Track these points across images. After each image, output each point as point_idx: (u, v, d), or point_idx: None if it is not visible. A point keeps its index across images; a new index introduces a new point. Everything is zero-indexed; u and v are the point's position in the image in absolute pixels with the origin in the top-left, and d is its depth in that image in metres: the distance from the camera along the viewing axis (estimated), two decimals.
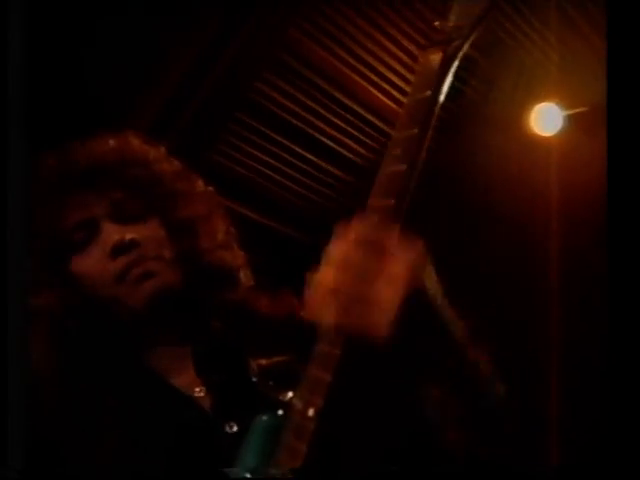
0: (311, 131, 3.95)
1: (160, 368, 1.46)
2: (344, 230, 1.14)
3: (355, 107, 3.98)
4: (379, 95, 3.94)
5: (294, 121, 3.87)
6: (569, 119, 4.44)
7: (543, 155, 4.54)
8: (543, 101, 4.45)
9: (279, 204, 4.05)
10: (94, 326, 1.43)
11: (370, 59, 3.84)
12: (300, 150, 4.00)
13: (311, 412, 1.12)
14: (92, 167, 1.48)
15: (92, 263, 1.44)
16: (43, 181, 1.47)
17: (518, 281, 4.47)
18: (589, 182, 4.14)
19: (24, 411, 1.32)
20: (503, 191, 4.38)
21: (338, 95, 3.90)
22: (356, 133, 4.06)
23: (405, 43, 3.77)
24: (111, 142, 1.53)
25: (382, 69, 3.88)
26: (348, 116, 3.99)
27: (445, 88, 1.22)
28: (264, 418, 1.29)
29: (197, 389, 1.43)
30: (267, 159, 3.93)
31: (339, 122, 4.00)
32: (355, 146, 4.09)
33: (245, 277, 1.53)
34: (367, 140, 4.07)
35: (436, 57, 1.23)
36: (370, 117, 4.01)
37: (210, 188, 1.57)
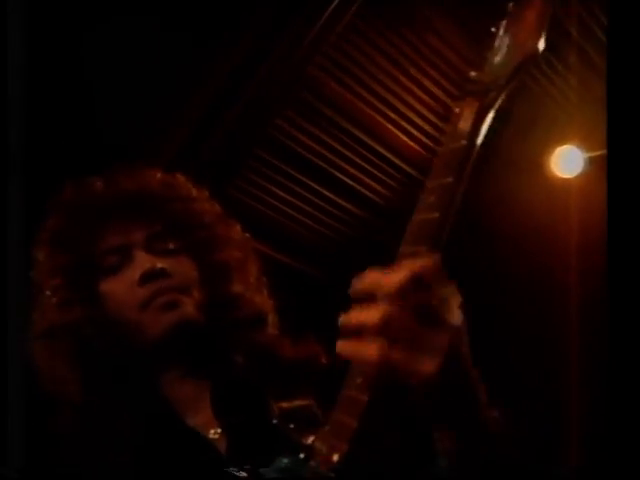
0: (330, 169, 3.96)
1: (178, 403, 1.45)
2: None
3: (374, 145, 3.99)
4: (398, 133, 3.95)
5: (313, 158, 3.87)
6: (589, 161, 4.43)
7: (564, 197, 4.54)
8: (564, 143, 4.45)
9: (297, 241, 4.05)
10: (117, 349, 1.45)
11: (390, 97, 3.85)
12: (319, 187, 4.00)
13: (335, 457, 1.10)
14: (138, 197, 1.51)
15: (121, 287, 1.46)
16: (87, 203, 1.50)
17: (539, 322, 4.46)
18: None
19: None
20: (524, 233, 4.39)
21: (357, 133, 3.92)
22: (375, 171, 4.06)
23: (425, 82, 3.78)
24: (159, 175, 1.55)
25: (401, 107, 3.88)
26: (367, 154, 3.99)
27: (480, 138, 1.21)
28: (285, 461, 1.27)
29: (212, 431, 1.42)
30: (285, 196, 3.93)
31: (358, 160, 4.00)
32: (374, 184, 4.08)
33: (272, 321, 1.53)
34: (386, 178, 4.07)
35: (472, 107, 1.22)
36: (389, 155, 4.02)
37: (247, 234, 1.58)
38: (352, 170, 4.03)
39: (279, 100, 3.61)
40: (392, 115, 3.91)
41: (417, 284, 1.05)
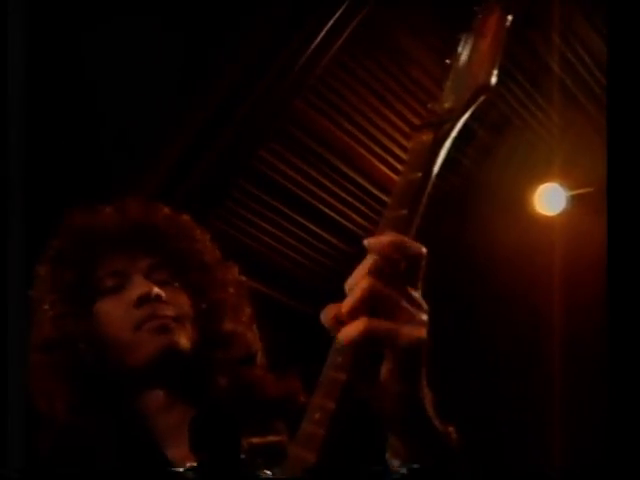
0: (313, 201, 3.96)
1: (161, 432, 1.48)
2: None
3: (358, 178, 4.00)
4: (382, 167, 3.96)
5: (298, 191, 3.88)
6: (572, 199, 4.44)
7: (546, 235, 4.54)
8: (547, 181, 4.47)
9: (281, 274, 4.04)
10: (107, 367, 1.48)
11: (374, 131, 3.87)
12: (302, 220, 4.00)
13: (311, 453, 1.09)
14: (143, 228, 1.56)
15: (117, 307, 1.50)
16: (94, 228, 1.55)
17: (520, 360, 4.45)
18: (592, 262, 4.14)
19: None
20: (506, 270, 4.38)
21: (341, 166, 3.93)
22: (358, 204, 4.06)
23: (409, 116, 3.79)
24: (166, 210, 1.60)
25: (386, 141, 3.90)
26: (351, 187, 4.00)
27: (435, 170, 1.21)
28: None
29: (189, 464, 1.39)
30: (269, 227, 3.93)
31: (342, 193, 4.01)
32: (356, 217, 4.09)
33: (260, 358, 1.57)
34: (369, 212, 4.08)
35: (428, 139, 1.22)
36: (373, 189, 4.02)
37: (242, 277, 1.62)
38: (337, 204, 4.04)
39: (264, 132, 3.62)
40: (376, 149, 3.93)
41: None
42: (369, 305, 1.07)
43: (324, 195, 4.00)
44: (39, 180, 2.29)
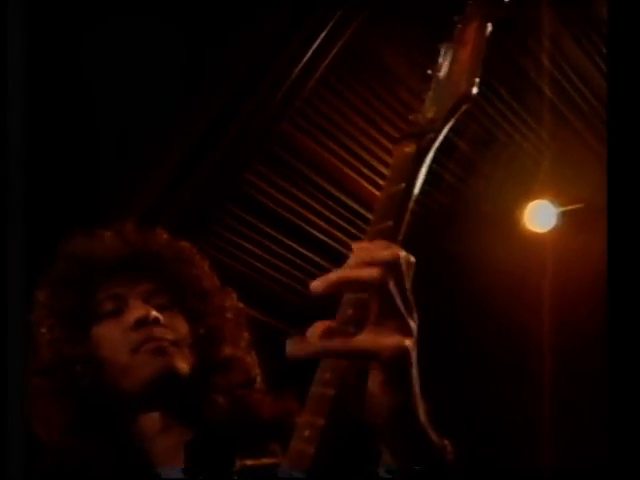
0: (301, 223, 3.95)
1: (157, 455, 1.48)
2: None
3: (346, 199, 3.99)
4: (370, 188, 3.95)
5: (284, 213, 3.87)
6: (563, 216, 4.44)
7: (537, 252, 4.54)
8: (537, 198, 4.47)
9: (269, 297, 4.02)
10: (105, 390, 1.48)
11: (362, 152, 3.87)
12: (290, 242, 3.99)
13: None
14: (143, 253, 1.57)
15: (115, 330, 1.51)
16: (93, 253, 1.56)
17: (510, 378, 4.43)
18: (583, 279, 4.14)
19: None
20: (497, 287, 4.38)
21: (329, 187, 3.92)
22: (346, 225, 4.05)
23: (397, 136, 3.79)
24: (165, 236, 1.62)
25: (374, 162, 3.90)
26: (338, 208, 3.99)
27: (419, 181, 1.20)
28: None
29: None
30: (256, 250, 3.92)
31: (330, 214, 4.00)
32: (345, 238, 4.08)
33: (259, 383, 1.58)
34: (357, 233, 4.07)
35: (410, 150, 1.21)
36: (360, 209, 4.01)
37: (240, 304, 1.63)
38: (325, 225, 4.03)
39: (250, 155, 3.62)
40: (363, 169, 3.93)
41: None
42: (355, 315, 1.06)
43: (312, 217, 3.99)
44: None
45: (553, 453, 4.43)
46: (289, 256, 4.04)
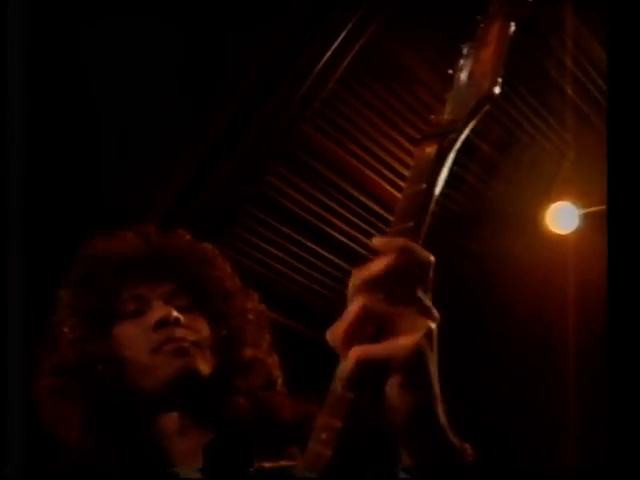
0: (322, 225, 3.94)
1: (177, 455, 1.48)
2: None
3: (367, 201, 3.98)
4: (391, 189, 3.94)
5: (305, 215, 3.86)
6: (585, 218, 4.42)
7: (559, 253, 4.52)
8: (559, 200, 4.45)
9: (291, 299, 4.02)
10: (125, 389, 1.49)
11: (382, 153, 3.86)
12: (311, 244, 3.98)
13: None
14: (165, 254, 1.58)
15: (136, 330, 1.51)
16: (116, 254, 1.57)
17: (534, 379, 4.42)
18: (605, 280, 4.11)
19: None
20: (519, 289, 4.36)
21: (349, 189, 3.91)
22: (367, 227, 4.04)
23: (418, 137, 3.78)
24: (188, 237, 1.63)
25: (394, 163, 3.89)
26: (359, 210, 3.98)
27: (441, 181, 1.18)
28: None
29: None
30: (277, 252, 3.91)
31: (350, 216, 3.99)
32: (367, 240, 4.07)
33: (280, 385, 1.58)
34: (378, 235, 4.05)
35: (431, 150, 1.20)
36: (381, 211, 4.00)
37: (262, 306, 1.63)
38: (346, 227, 4.02)
39: (271, 157, 3.62)
40: (384, 171, 3.91)
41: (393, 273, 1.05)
42: (369, 318, 1.04)
43: (333, 219, 3.98)
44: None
45: (577, 454, 4.41)
46: (310, 258, 4.03)
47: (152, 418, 1.50)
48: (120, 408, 1.49)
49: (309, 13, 3.13)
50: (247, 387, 1.53)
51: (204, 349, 1.51)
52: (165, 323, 1.49)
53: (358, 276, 1.08)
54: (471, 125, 1.19)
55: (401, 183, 3.96)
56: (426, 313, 1.07)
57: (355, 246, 4.10)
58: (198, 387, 1.48)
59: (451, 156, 1.20)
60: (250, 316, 1.60)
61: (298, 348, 3.54)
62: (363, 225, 4.04)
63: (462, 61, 1.22)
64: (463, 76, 1.21)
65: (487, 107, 1.18)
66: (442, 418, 1.08)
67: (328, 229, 3.99)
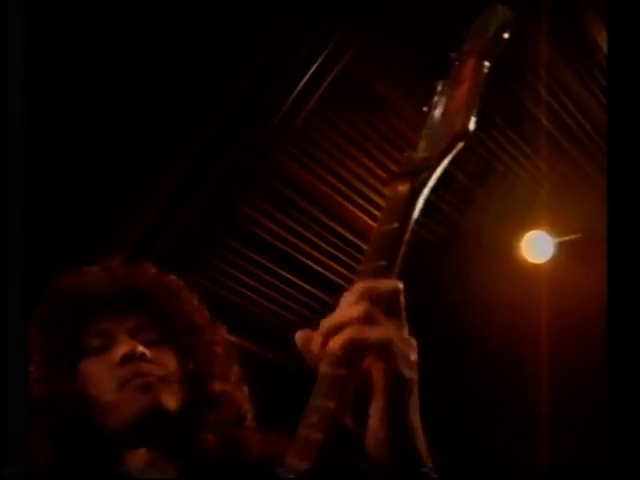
0: (297, 255, 3.93)
1: None
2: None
3: (342, 230, 3.96)
4: (366, 219, 3.93)
5: (279, 244, 3.85)
6: (560, 246, 4.42)
7: (534, 282, 4.52)
8: (534, 228, 4.46)
9: (265, 329, 3.99)
10: (91, 427, 1.47)
11: (357, 183, 3.85)
12: (285, 274, 3.96)
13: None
14: (130, 289, 1.56)
15: (101, 367, 1.49)
16: (81, 290, 1.56)
17: (509, 409, 4.42)
18: (580, 309, 4.11)
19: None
20: (494, 317, 4.36)
21: (324, 218, 3.91)
22: (342, 256, 4.03)
23: (391, 166, 3.78)
24: (153, 271, 1.61)
25: (369, 193, 3.88)
26: (333, 239, 3.97)
27: (413, 220, 1.18)
28: None
29: None
30: (250, 282, 3.89)
31: (326, 246, 3.98)
32: (343, 270, 4.06)
33: (250, 419, 1.57)
34: (352, 262, 4.05)
35: (404, 188, 1.19)
36: (355, 239, 3.99)
37: (231, 337, 1.63)
38: (321, 257, 4.00)
39: (244, 186, 3.60)
40: (359, 200, 3.90)
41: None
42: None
43: (307, 248, 3.97)
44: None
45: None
46: (284, 287, 4.01)
47: (119, 454, 1.49)
48: (87, 446, 1.47)
49: (283, 42, 3.13)
50: (216, 422, 1.51)
51: (171, 383, 1.49)
52: (131, 358, 1.47)
53: (322, 326, 1.12)
54: (445, 163, 1.19)
55: (376, 212, 3.95)
56: (406, 345, 1.09)
57: (330, 275, 4.08)
58: (165, 423, 1.46)
59: (424, 195, 1.19)
60: (218, 349, 1.59)
61: (274, 378, 3.53)
62: (338, 254, 4.03)
63: (436, 98, 1.22)
64: (437, 113, 1.21)
65: (461, 144, 1.18)
66: (421, 449, 1.09)
67: (303, 258, 3.98)
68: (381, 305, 1.09)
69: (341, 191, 3.84)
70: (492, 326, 4.35)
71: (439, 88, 1.22)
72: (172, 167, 3.33)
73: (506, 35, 1.20)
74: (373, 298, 1.08)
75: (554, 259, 4.47)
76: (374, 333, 1.06)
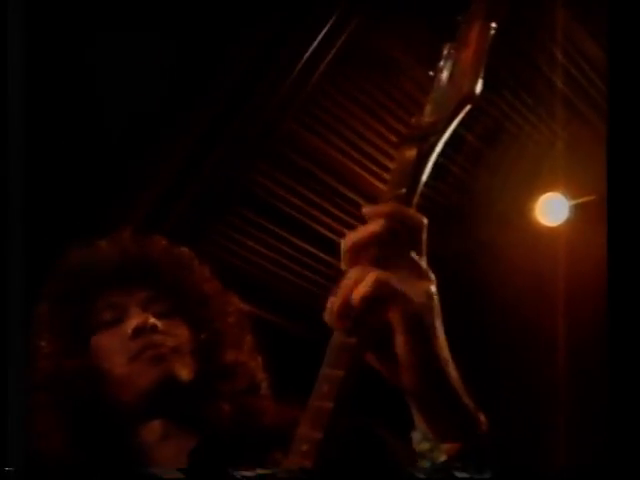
0: (310, 222, 3.91)
1: (159, 464, 1.46)
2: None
3: (352, 196, 3.95)
4: (377, 184, 3.92)
5: (290, 211, 3.84)
6: (575, 209, 4.39)
7: (549, 245, 4.50)
8: (549, 191, 4.42)
9: (278, 297, 4.00)
10: (104, 401, 1.48)
11: (369, 149, 3.83)
12: (297, 241, 3.95)
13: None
14: (140, 261, 1.57)
15: (113, 340, 1.50)
16: (91, 264, 1.56)
17: (524, 371, 4.41)
18: (595, 272, 4.10)
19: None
20: (509, 281, 4.35)
21: (336, 185, 3.88)
22: (354, 222, 4.02)
23: (403, 130, 3.76)
24: (164, 243, 1.61)
25: (379, 157, 3.86)
26: (345, 205, 3.96)
27: (421, 185, 1.16)
28: None
29: None
30: (263, 250, 3.89)
31: (336, 211, 3.96)
32: None
33: (265, 388, 1.56)
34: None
35: (411, 153, 1.17)
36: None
37: (243, 306, 1.62)
38: (332, 222, 3.99)
39: (254, 154, 3.59)
40: (372, 166, 3.89)
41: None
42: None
43: (319, 214, 3.96)
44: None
45: (564, 444, 4.41)
46: (298, 255, 4.00)
47: (134, 427, 1.49)
48: (101, 420, 1.48)
49: (292, 8, 3.10)
50: (230, 391, 1.51)
51: (183, 354, 1.49)
52: (142, 330, 1.48)
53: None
54: (452, 127, 1.17)
55: (386, 176, 3.93)
56: (423, 276, 1.09)
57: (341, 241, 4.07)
58: (178, 393, 1.47)
59: (432, 159, 1.18)
60: (230, 319, 1.58)
61: (288, 347, 3.53)
62: (351, 221, 4.02)
63: (443, 62, 1.21)
64: (444, 77, 1.20)
65: (468, 108, 1.16)
66: (456, 382, 1.09)
67: (316, 226, 3.97)
68: (403, 237, 1.10)
69: (353, 157, 3.83)
70: (507, 290, 4.34)
71: (445, 51, 1.21)
72: (182, 136, 3.32)
73: None
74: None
75: (569, 222, 4.44)
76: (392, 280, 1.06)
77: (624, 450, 1.28)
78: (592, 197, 4.30)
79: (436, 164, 1.17)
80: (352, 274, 1.08)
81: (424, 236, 1.11)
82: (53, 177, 2.87)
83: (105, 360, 1.50)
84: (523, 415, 4.33)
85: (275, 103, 3.37)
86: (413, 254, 1.10)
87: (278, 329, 3.84)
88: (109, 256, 1.57)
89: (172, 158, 3.36)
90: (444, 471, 1.07)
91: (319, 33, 3.21)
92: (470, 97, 1.15)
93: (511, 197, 4.36)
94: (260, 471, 1.38)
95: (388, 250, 1.08)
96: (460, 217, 4.29)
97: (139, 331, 1.48)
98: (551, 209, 4.43)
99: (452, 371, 1.09)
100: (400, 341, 1.06)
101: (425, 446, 1.10)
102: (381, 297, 1.05)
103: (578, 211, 4.39)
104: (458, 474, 1.06)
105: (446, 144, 1.17)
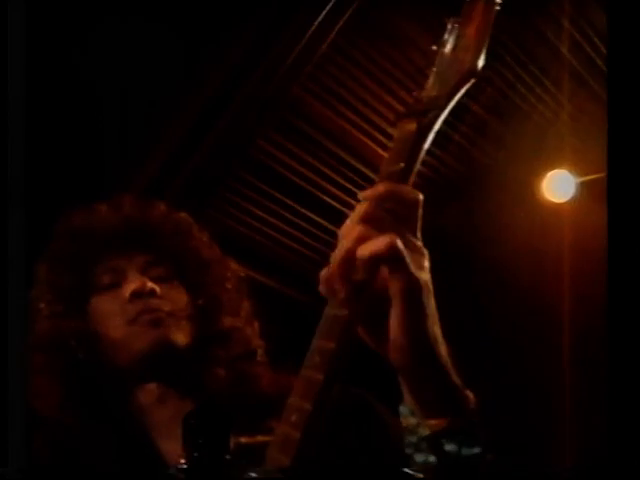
0: (314, 190, 3.91)
1: (155, 426, 1.49)
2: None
3: (358, 165, 3.94)
4: (383, 153, 3.90)
5: (296, 179, 3.83)
6: (581, 186, 4.37)
7: (555, 222, 4.48)
8: (555, 168, 4.40)
9: (280, 264, 4.00)
10: (101, 363, 1.49)
11: (376, 118, 3.81)
12: (302, 209, 3.95)
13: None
14: (140, 226, 1.58)
15: (111, 303, 1.51)
16: (91, 227, 1.57)
17: (529, 349, 4.41)
18: (601, 249, 4.08)
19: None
20: (515, 258, 4.34)
21: (341, 153, 3.87)
22: (358, 191, 4.01)
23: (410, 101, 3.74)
24: (163, 208, 1.62)
25: (388, 128, 3.84)
26: (350, 174, 3.95)
27: (419, 160, 1.16)
28: None
29: (182, 460, 1.41)
30: (268, 217, 3.88)
31: (342, 181, 3.95)
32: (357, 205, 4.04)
33: (261, 355, 1.58)
34: None
35: (411, 128, 1.17)
36: (373, 176, 3.97)
37: (241, 273, 1.63)
38: (337, 191, 3.98)
39: (261, 121, 3.58)
40: (378, 136, 3.87)
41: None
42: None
43: (324, 183, 3.95)
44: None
45: (570, 430, 4.42)
46: (300, 222, 4.00)
47: (130, 390, 1.52)
48: (97, 382, 1.49)
49: None
50: (226, 357, 1.52)
51: (180, 319, 1.50)
52: (140, 294, 1.49)
53: (345, 227, 1.12)
54: (453, 102, 1.16)
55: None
56: (418, 251, 1.09)
57: (347, 210, 4.06)
58: (174, 358, 1.48)
59: (432, 134, 1.17)
60: (228, 285, 1.60)
61: (289, 313, 3.54)
62: (354, 188, 4.01)
63: (446, 36, 1.20)
64: (447, 52, 1.20)
65: (470, 83, 1.15)
66: (445, 358, 1.09)
67: (320, 193, 3.96)
68: (399, 214, 1.10)
69: (359, 126, 3.81)
70: (513, 266, 4.32)
71: (449, 26, 1.20)
72: (188, 102, 3.31)
73: None
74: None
75: (576, 199, 4.42)
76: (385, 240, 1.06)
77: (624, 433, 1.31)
78: (599, 175, 4.28)
79: (442, 134, 1.16)
80: (352, 233, 1.09)
81: (419, 212, 1.11)
82: (54, 145, 2.87)
83: (103, 323, 1.51)
84: (526, 399, 4.34)
85: (283, 71, 3.35)
86: (408, 230, 1.10)
87: (275, 295, 3.85)
88: (109, 220, 1.57)
89: (178, 124, 3.35)
90: (431, 441, 1.07)
91: (328, 1, 3.20)
92: (472, 73, 1.14)
93: (517, 172, 4.34)
94: (259, 439, 1.40)
95: (384, 226, 1.08)
96: (465, 191, 4.28)
97: (137, 295, 1.49)
98: (558, 186, 4.41)
99: (442, 348, 1.09)
100: (395, 313, 1.06)
101: (412, 421, 1.10)
102: (390, 259, 1.05)
103: (585, 188, 4.37)
104: (446, 445, 1.06)
105: (451, 114, 1.17)
